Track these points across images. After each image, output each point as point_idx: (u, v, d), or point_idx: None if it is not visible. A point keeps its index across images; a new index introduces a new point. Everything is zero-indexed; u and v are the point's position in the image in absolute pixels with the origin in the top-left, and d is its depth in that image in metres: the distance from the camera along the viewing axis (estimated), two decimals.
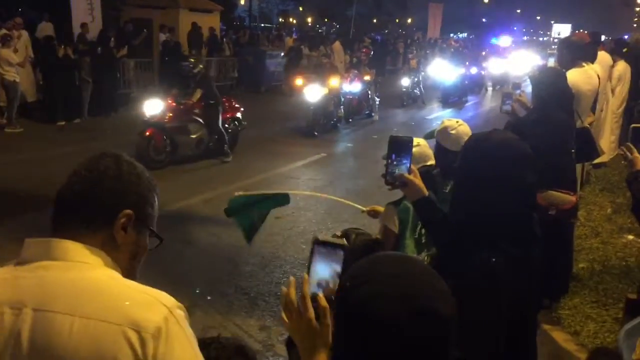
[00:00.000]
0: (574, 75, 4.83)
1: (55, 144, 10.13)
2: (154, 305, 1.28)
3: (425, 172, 3.12)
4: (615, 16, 64.75)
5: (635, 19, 62.93)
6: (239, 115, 10.72)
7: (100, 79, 13.23)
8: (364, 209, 3.75)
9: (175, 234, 6.06)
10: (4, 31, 11.88)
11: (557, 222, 4.18)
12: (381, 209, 3.43)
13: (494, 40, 38.43)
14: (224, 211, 3.79)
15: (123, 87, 14.98)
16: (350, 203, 4.08)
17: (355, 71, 14.91)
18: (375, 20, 53.52)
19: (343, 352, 1.25)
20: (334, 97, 13.27)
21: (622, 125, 8.32)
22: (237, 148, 10.46)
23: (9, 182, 7.78)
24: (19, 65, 11.75)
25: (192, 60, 10.12)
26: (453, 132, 3.25)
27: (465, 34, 62.09)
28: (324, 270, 1.42)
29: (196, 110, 9.72)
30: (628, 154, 3.17)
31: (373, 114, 15.00)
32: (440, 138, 3.29)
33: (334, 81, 13.31)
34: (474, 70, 20.71)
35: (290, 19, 57.12)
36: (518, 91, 5.40)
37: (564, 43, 5.68)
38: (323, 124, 12.89)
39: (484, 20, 64.91)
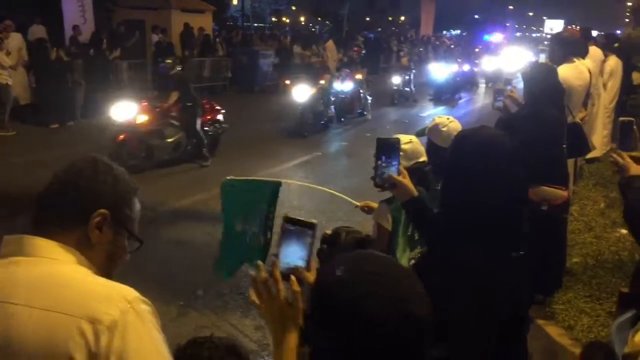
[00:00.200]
0: (565, 71, 4.85)
1: (48, 147, 10.09)
2: (113, 298, 1.30)
3: (418, 169, 3.14)
4: (607, 11, 65.00)
5: (627, 14, 63.14)
6: (219, 117, 10.42)
7: (93, 81, 13.19)
8: (358, 204, 3.76)
9: (168, 235, 6.06)
10: None
11: (550, 217, 4.20)
12: (375, 205, 3.44)
13: (486, 37, 38.52)
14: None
15: (116, 88, 14.94)
16: (344, 196, 4.09)
17: (347, 70, 14.86)
18: (368, 19, 53.54)
19: (319, 340, 1.28)
20: (323, 97, 13.12)
21: (615, 120, 8.34)
22: (225, 149, 10.28)
23: (1, 185, 7.75)
24: (11, 68, 11.71)
25: (169, 61, 9.96)
26: (444, 129, 3.26)
27: (458, 31, 62.22)
28: (294, 250, 1.44)
29: (173, 113, 9.47)
30: (619, 159, 3.05)
31: (365, 113, 14.94)
32: (432, 135, 3.30)
33: (322, 80, 13.20)
34: (466, 67, 20.74)
35: (284, 18, 57.08)
36: (509, 87, 5.42)
37: (555, 39, 5.71)
38: (313, 124, 12.74)
39: (476, 17, 65.03)
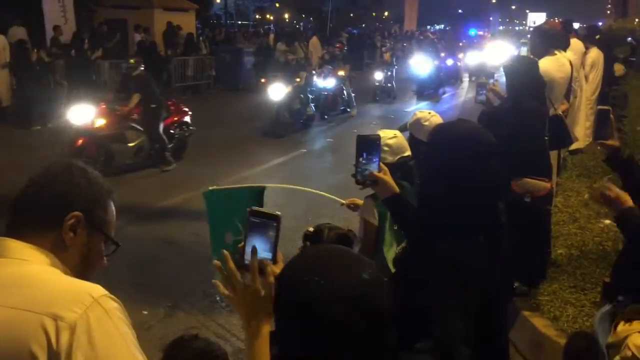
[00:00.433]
0: (546, 64, 4.88)
1: (30, 149, 9.98)
2: (79, 295, 1.30)
3: (403, 164, 3.15)
4: (590, 4, 65.52)
5: (609, 6, 63.68)
6: (186, 119, 9.93)
7: (75, 81, 13.07)
8: (343, 202, 3.77)
9: (157, 234, 6.02)
10: None
11: (533, 208, 4.24)
12: (360, 202, 3.45)
13: (473, 32, 38.64)
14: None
15: (98, 88, 14.82)
16: (329, 195, 4.09)
17: (329, 67, 14.61)
18: (352, 15, 53.54)
19: (285, 336, 1.32)
20: (299, 95, 12.82)
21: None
22: (198, 152, 9.94)
23: None
24: None
25: (132, 62, 9.56)
26: (426, 123, 3.27)
27: (442, 26, 62.39)
28: (259, 243, 1.45)
29: (134, 116, 9.01)
30: (610, 194, 2.86)
31: (349, 110, 14.73)
32: (414, 130, 3.32)
33: (298, 79, 12.97)
34: (449, 62, 20.76)
35: (267, 16, 56.94)
36: (492, 81, 5.45)
37: (536, 32, 5.74)
38: (291, 123, 12.46)
39: (460, 11, 65.24)
